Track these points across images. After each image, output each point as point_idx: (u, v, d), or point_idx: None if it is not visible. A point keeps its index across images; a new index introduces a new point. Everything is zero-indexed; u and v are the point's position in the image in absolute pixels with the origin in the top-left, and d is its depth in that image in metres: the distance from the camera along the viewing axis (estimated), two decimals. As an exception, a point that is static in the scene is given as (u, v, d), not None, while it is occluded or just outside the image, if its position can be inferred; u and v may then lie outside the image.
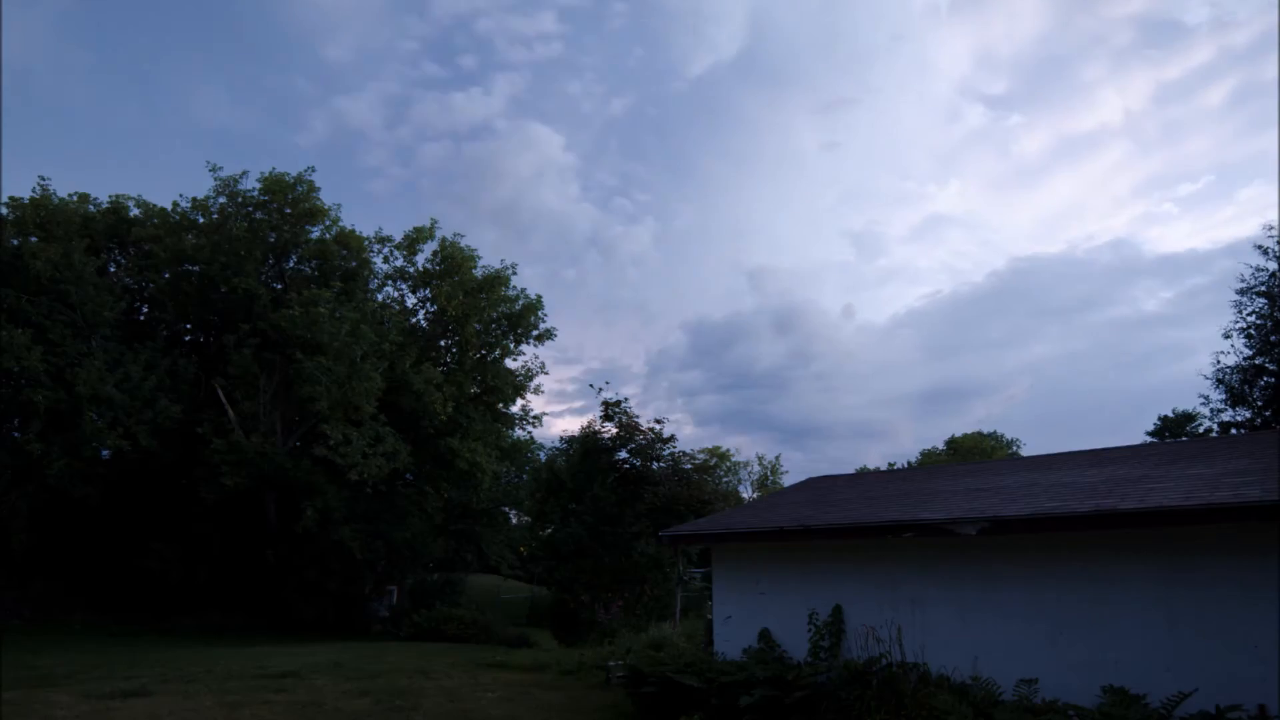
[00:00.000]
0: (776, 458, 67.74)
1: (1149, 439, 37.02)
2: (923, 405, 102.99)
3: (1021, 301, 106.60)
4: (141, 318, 28.83)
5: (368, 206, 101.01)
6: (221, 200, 27.34)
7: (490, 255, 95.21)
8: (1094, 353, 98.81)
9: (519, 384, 31.06)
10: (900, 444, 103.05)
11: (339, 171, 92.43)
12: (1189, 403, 46.38)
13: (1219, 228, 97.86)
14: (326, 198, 27.94)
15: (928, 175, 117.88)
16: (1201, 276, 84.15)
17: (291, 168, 41.08)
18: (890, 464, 61.81)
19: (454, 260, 29.19)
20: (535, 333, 30.69)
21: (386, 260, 30.35)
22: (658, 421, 24.85)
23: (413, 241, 30.19)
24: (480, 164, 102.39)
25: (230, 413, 24.79)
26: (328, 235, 28.69)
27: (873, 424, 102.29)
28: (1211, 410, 24.79)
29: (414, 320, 30.18)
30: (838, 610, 9.21)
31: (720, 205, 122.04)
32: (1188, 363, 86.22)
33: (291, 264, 28.67)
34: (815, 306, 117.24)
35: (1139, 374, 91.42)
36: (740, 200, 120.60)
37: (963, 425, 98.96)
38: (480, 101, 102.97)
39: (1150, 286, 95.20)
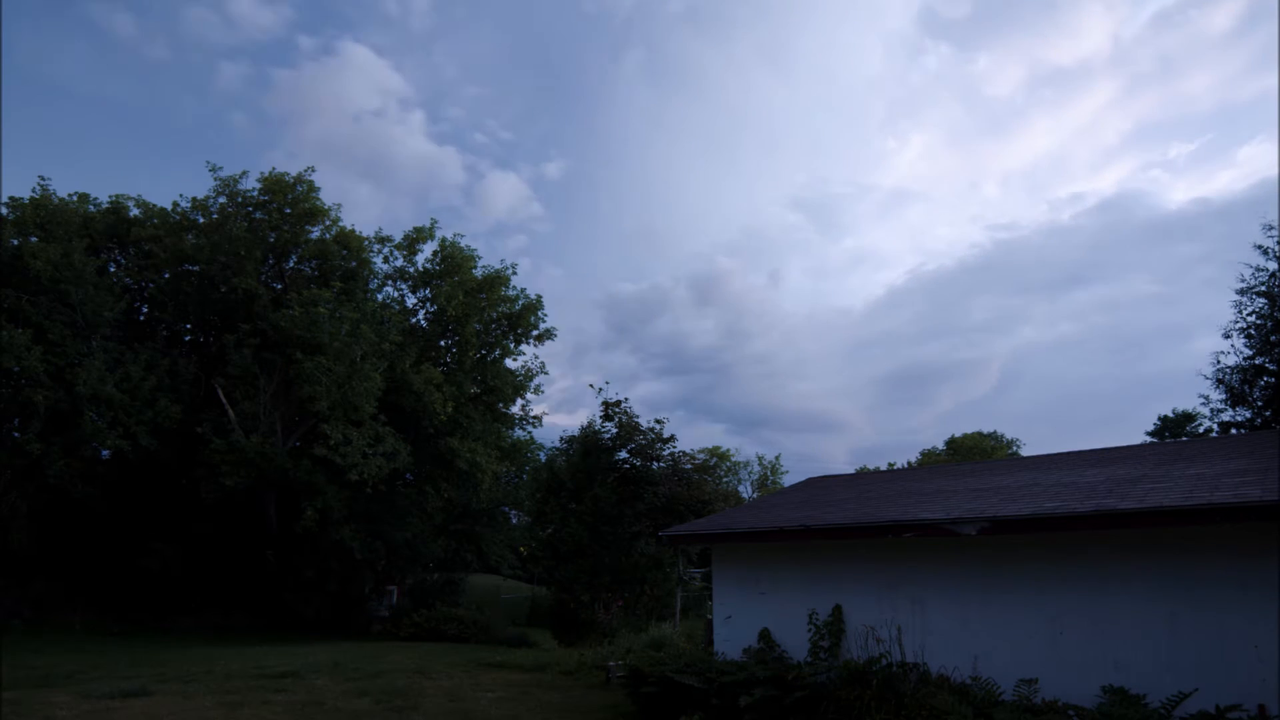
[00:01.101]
0: (776, 457, 67.81)
1: (1149, 439, 37.03)
2: (887, 393, 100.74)
3: (999, 279, 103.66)
4: (141, 318, 28.83)
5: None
6: (221, 200, 27.36)
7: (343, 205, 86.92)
8: (1084, 338, 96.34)
9: (519, 384, 31.06)
10: (862, 436, 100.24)
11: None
12: (1189, 402, 46.42)
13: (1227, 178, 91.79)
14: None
15: (886, 127, 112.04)
16: (1200, 244, 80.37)
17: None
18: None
19: (454, 260, 29.21)
20: (535, 333, 30.70)
21: (386, 260, 30.38)
22: (658, 421, 24.86)
23: (412, 241, 30.21)
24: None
25: (230, 413, 24.79)
26: (328, 235, 28.70)
27: (829, 415, 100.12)
28: (1211, 410, 24.77)
29: (414, 320, 30.17)
30: (838, 610, 9.21)
31: (636, 162, 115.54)
32: (1188, 346, 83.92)
33: (291, 264, 28.67)
34: (747, 281, 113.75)
35: (1134, 363, 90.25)
36: (662, 157, 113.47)
37: (931, 417, 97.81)
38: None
39: (1144, 258, 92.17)
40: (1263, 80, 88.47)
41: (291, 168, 43.82)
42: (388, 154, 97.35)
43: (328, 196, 35.10)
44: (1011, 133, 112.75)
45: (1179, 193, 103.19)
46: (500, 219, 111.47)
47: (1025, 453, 55.30)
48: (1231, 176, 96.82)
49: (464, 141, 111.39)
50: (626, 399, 24.67)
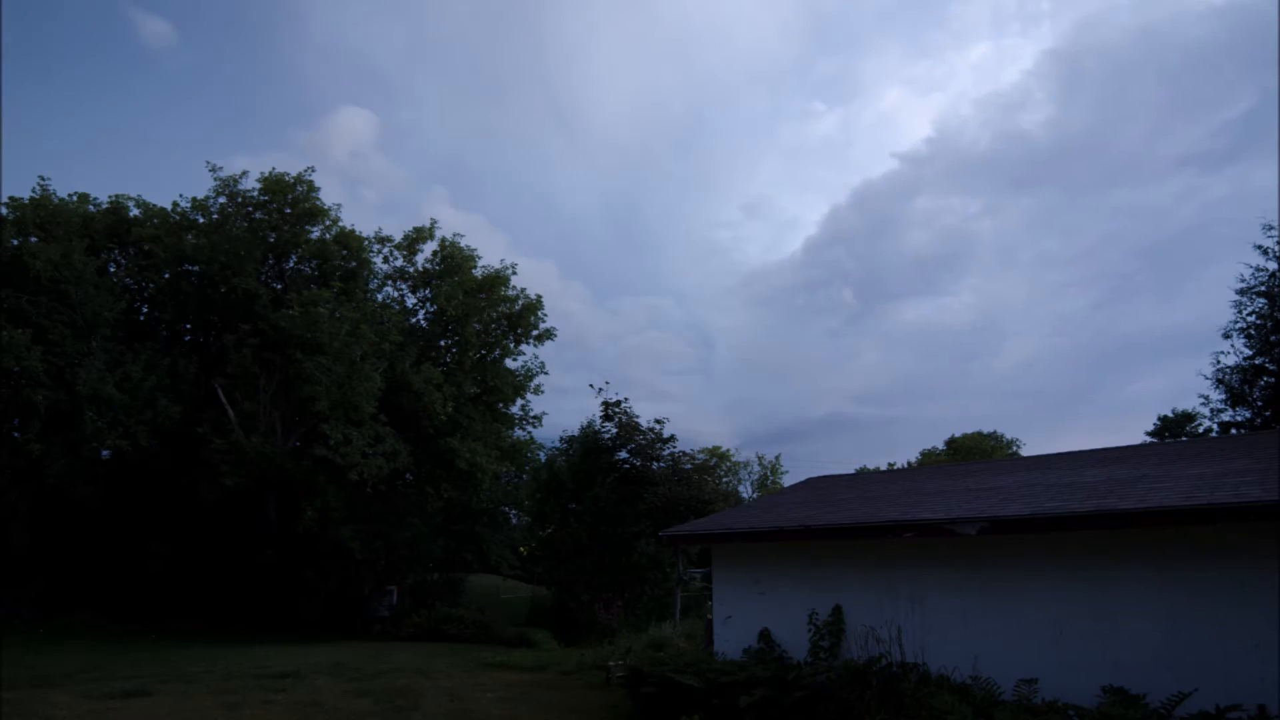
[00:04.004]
0: (777, 457, 67.77)
1: (1149, 439, 37.03)
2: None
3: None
4: (141, 318, 28.81)
5: None
6: (221, 200, 27.33)
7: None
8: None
9: (519, 384, 31.05)
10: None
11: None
12: (1189, 402, 46.42)
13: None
14: None
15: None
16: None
17: None
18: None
19: (454, 260, 29.20)
20: (535, 333, 30.69)
21: (386, 260, 30.36)
22: (658, 421, 24.87)
23: (413, 241, 30.21)
24: None
25: (230, 413, 24.78)
26: (328, 235, 28.67)
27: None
28: (1211, 410, 24.79)
29: (414, 320, 30.16)
30: (838, 610, 9.21)
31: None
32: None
33: (291, 264, 28.65)
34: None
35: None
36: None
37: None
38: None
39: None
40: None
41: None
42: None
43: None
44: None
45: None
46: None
47: (1025, 453, 55.33)
48: None
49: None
50: (627, 399, 24.70)
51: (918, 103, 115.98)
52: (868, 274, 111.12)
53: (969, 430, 65.01)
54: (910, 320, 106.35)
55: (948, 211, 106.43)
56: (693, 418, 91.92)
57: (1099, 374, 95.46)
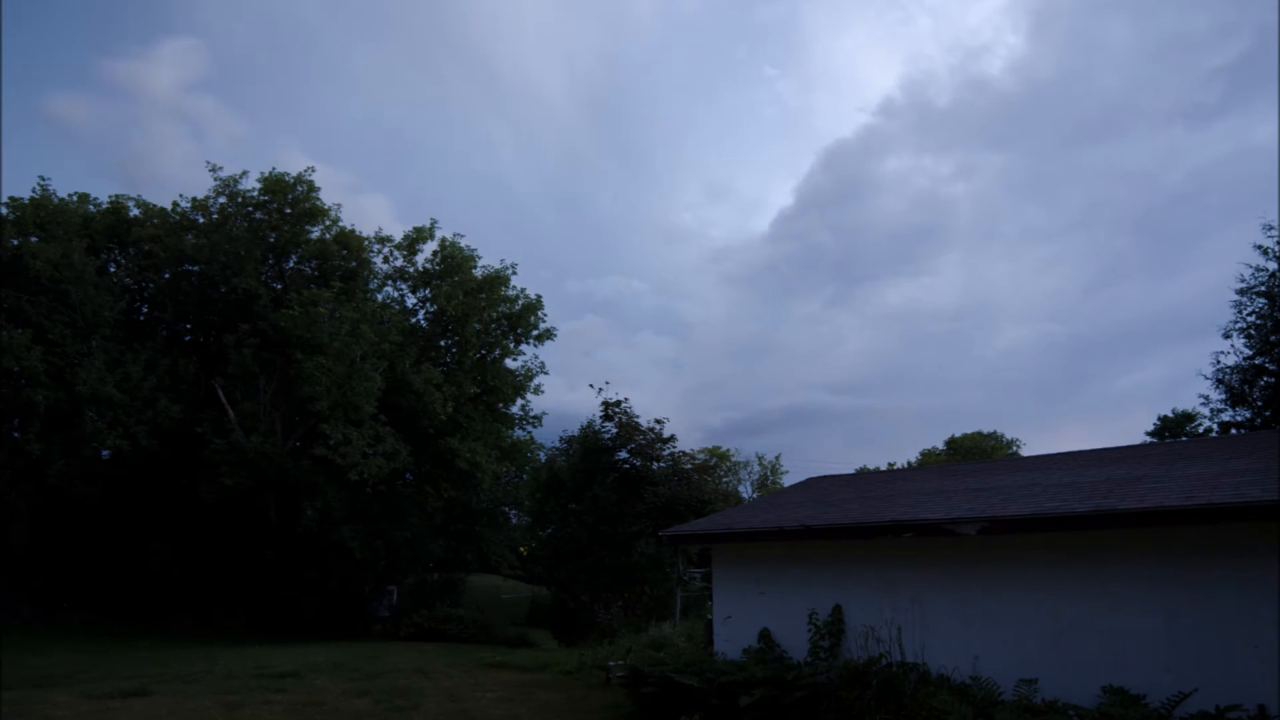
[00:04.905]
0: (777, 457, 67.79)
1: (1149, 439, 37.03)
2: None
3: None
4: (141, 318, 28.81)
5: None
6: (221, 200, 27.35)
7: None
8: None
9: (519, 384, 31.07)
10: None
11: None
12: (1189, 402, 46.42)
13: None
14: None
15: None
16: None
17: None
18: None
19: (454, 260, 29.22)
20: (535, 333, 30.71)
21: (386, 260, 30.38)
22: (658, 421, 24.85)
23: (413, 241, 30.23)
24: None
25: (230, 413, 24.79)
26: (328, 235, 28.69)
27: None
28: (1211, 410, 24.80)
29: (414, 320, 30.17)
30: (838, 610, 9.21)
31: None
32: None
33: (291, 264, 28.66)
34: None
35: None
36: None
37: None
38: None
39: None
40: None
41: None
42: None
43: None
44: None
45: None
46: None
47: (1025, 453, 55.35)
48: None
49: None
50: (627, 399, 24.67)
51: (876, 55, 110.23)
52: (844, 250, 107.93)
53: (968, 431, 65.13)
54: (894, 303, 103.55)
55: (919, 173, 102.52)
56: (662, 408, 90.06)
57: (1092, 363, 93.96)
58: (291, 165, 79.65)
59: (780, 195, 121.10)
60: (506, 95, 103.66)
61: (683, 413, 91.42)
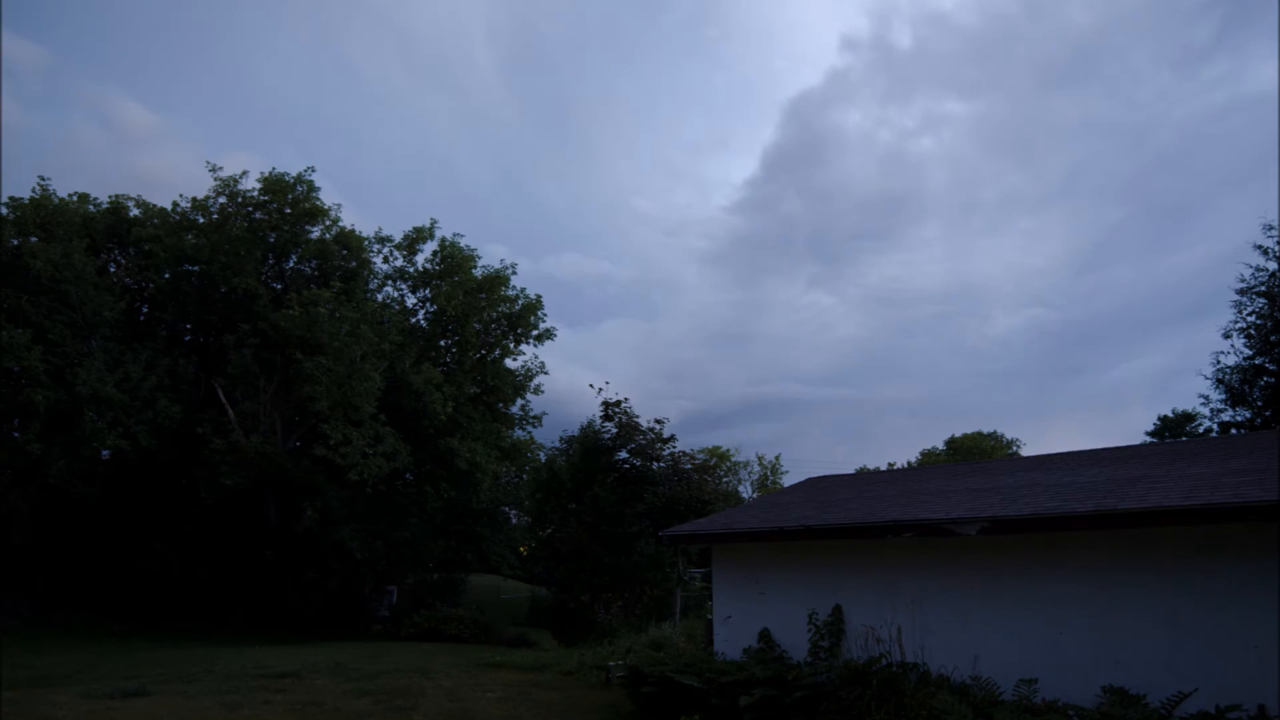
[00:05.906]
0: (776, 457, 67.79)
1: (1149, 439, 37.03)
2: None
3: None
4: (141, 318, 28.82)
5: None
6: (221, 200, 27.33)
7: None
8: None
9: (519, 384, 31.07)
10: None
11: None
12: (1189, 402, 46.41)
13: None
14: None
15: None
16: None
17: None
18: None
19: (454, 260, 29.22)
20: (535, 333, 30.71)
21: (386, 260, 30.39)
22: (658, 421, 24.83)
23: (412, 241, 30.23)
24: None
25: (230, 413, 24.78)
26: (328, 235, 28.69)
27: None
28: (1211, 410, 24.81)
29: (414, 320, 30.18)
30: (838, 610, 9.21)
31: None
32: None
33: (291, 264, 28.66)
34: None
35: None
36: None
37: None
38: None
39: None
40: None
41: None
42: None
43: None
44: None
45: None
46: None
47: (1025, 453, 55.37)
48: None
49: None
50: (627, 399, 24.64)
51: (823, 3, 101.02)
52: (817, 220, 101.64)
53: (968, 430, 65.15)
54: (874, 283, 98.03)
55: (884, 125, 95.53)
56: (639, 397, 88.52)
57: (1087, 349, 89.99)
58: (211, 155, 75.02)
59: (746, 164, 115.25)
60: (437, 73, 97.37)
61: (651, 402, 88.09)
